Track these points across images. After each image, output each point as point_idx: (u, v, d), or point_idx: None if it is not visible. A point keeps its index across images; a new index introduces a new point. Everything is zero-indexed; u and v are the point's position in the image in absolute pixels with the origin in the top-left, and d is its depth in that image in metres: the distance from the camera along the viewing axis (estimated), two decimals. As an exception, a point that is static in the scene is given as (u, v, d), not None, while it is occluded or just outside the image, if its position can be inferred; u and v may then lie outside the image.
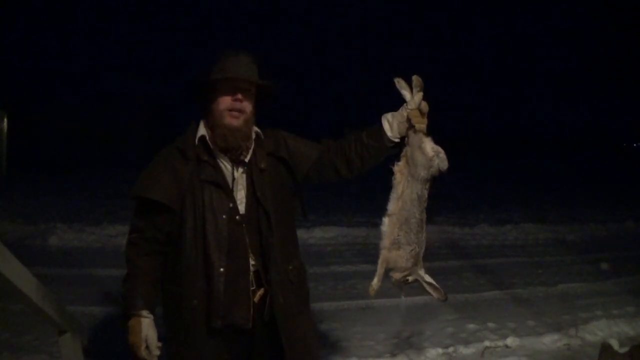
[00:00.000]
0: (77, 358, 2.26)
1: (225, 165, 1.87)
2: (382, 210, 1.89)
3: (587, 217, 9.04)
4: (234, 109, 1.81)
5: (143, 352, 1.82)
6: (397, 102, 1.87)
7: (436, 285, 1.91)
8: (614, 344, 3.25)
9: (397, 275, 1.90)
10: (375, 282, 1.92)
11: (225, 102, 1.81)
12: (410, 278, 1.91)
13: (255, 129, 1.93)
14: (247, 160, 1.88)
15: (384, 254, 1.89)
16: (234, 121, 1.81)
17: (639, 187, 14.31)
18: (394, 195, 1.87)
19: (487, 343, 3.59)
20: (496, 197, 11.78)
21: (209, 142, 1.85)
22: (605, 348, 3.04)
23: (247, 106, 1.84)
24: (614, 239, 7.72)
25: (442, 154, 1.82)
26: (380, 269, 1.91)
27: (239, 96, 1.81)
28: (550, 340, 3.67)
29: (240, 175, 1.88)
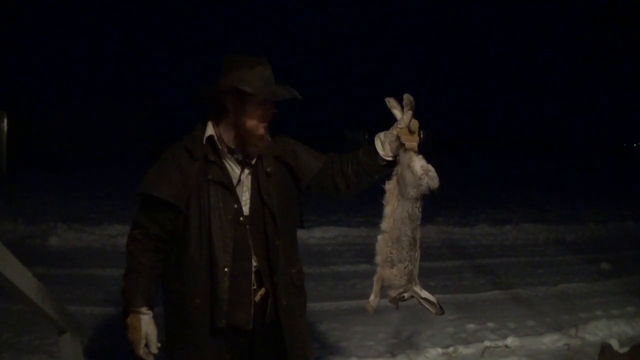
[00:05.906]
0: (77, 358, 2.26)
1: (232, 166, 1.87)
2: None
3: (587, 217, 9.05)
4: (267, 121, 1.83)
5: (142, 350, 1.82)
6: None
7: (433, 300, 1.90)
8: (614, 344, 3.25)
9: (392, 293, 1.90)
10: (372, 299, 1.92)
11: (259, 114, 1.81)
12: (405, 295, 1.90)
13: None
14: (253, 162, 1.88)
15: (378, 271, 1.90)
16: (263, 130, 1.83)
17: (639, 187, 14.32)
18: (385, 214, 1.87)
19: (487, 343, 3.59)
20: (496, 197, 11.78)
21: (217, 142, 1.85)
22: (605, 348, 3.04)
23: None
24: (614, 239, 7.72)
25: (432, 173, 1.79)
26: (376, 286, 1.91)
27: (274, 110, 1.83)
28: (550, 340, 3.66)
29: (245, 176, 1.87)
